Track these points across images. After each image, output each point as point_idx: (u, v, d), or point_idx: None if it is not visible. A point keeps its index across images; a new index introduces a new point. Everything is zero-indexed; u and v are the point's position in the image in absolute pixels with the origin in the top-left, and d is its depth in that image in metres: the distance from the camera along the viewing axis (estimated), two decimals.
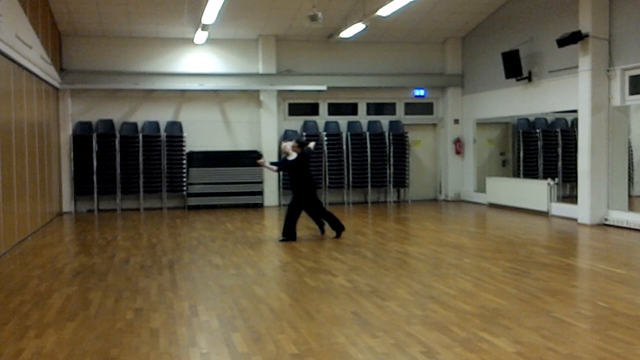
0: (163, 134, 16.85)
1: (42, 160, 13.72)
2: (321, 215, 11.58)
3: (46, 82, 14.26)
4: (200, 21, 14.53)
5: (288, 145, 11.33)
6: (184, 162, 16.80)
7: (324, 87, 17.45)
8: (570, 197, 15.34)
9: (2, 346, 5.45)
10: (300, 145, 11.33)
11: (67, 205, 16.37)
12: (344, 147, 17.63)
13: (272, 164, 11.74)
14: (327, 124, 17.95)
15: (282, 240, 11.19)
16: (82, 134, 16.37)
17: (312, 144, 11.79)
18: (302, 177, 11.14)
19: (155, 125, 16.95)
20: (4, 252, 10.13)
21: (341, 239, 11.52)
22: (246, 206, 17.14)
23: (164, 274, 8.53)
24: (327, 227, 11.99)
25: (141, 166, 16.49)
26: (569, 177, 16.55)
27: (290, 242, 11.11)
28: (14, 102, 11.03)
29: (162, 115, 17.08)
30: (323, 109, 18.20)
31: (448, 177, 18.59)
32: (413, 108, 18.82)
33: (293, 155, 11.24)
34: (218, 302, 6.97)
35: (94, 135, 16.30)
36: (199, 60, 17.17)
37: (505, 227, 13.39)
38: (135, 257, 9.81)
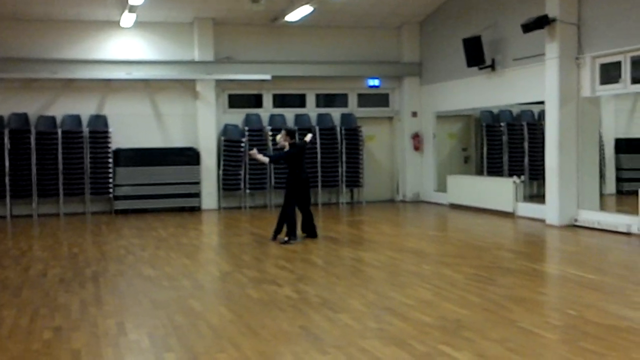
0: (85, 129, 16.53)
1: None
2: (304, 215, 11.93)
3: None
4: (127, 2, 14.30)
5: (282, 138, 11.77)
6: (110, 160, 16.51)
7: (268, 77, 17.40)
8: (538, 197, 15.67)
9: None
10: (289, 134, 11.69)
11: None
12: None
13: (267, 156, 12.29)
14: (272, 117, 17.90)
15: (285, 242, 11.37)
16: None
17: (308, 136, 12.20)
18: (297, 170, 11.50)
19: (76, 119, 16.62)
20: None
21: (288, 245, 11.47)
22: (181, 210, 16.97)
23: (87, 287, 8.36)
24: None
25: (60, 166, 16.14)
26: (536, 175, 16.89)
27: (294, 242, 11.43)
28: None
29: (84, 108, 16.75)
30: (267, 100, 18.15)
31: (406, 176, 18.76)
32: (367, 100, 18.93)
33: (286, 147, 11.64)
34: (149, 319, 6.86)
35: (6, 132, 15.87)
36: (126, 46, 16.91)
37: (468, 229, 13.57)
38: (53, 269, 9.57)
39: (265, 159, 12.04)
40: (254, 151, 11.79)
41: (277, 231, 11.77)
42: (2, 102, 16.26)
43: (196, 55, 17.24)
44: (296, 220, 11.60)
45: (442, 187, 17.76)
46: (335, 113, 18.47)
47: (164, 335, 6.25)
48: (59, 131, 16.23)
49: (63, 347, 5.92)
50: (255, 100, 18.21)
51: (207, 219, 15.85)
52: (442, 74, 17.65)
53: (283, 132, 11.84)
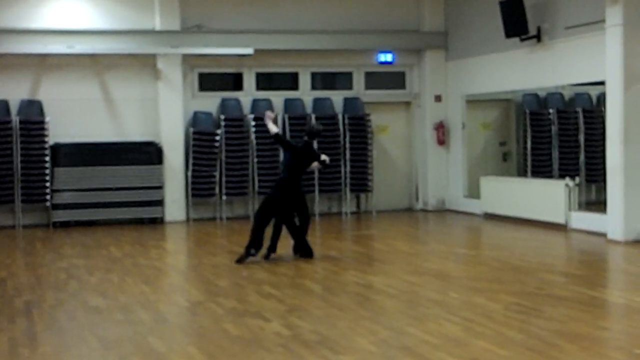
0: (15, 118, 16.51)
1: None
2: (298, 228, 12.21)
3: None
4: None
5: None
6: (47, 159, 16.50)
7: (249, 50, 17.39)
8: (597, 204, 15.63)
9: None
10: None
11: None
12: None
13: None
14: (254, 102, 17.90)
15: (302, 255, 12.07)
16: None
17: (324, 157, 12.30)
18: (299, 173, 11.97)
19: (2, 105, 16.61)
20: None
21: (276, 267, 11.47)
22: (139, 222, 16.96)
23: (17, 322, 8.34)
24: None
25: None
26: (595, 176, 16.84)
27: (308, 258, 11.93)
28: None
29: (12, 91, 16.73)
30: (249, 81, 18.15)
31: (428, 178, 18.76)
32: (377, 80, 18.93)
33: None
34: None
35: None
36: (66, 11, 16.90)
37: (507, 246, 13.57)
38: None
39: (274, 130, 11.98)
40: (270, 114, 12.20)
41: (272, 248, 11.93)
42: None
43: (157, 23, 17.25)
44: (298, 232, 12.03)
45: (473, 192, 17.76)
46: (337, 97, 18.47)
47: None
48: None
49: None
50: (234, 81, 18.20)
51: (173, 234, 15.84)
52: (474, 47, 17.64)
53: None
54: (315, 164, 12.22)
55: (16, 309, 9.01)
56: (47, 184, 16.50)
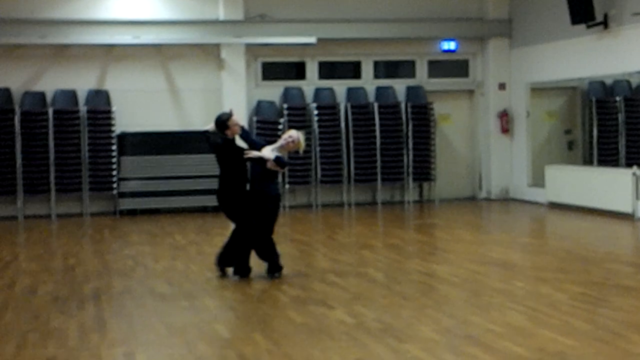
0: (83, 108, 16.77)
1: None
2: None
3: None
4: None
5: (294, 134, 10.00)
6: (113, 148, 16.74)
7: (312, 39, 17.41)
8: None
9: None
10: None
11: None
12: (343, 124, 17.61)
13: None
14: (317, 91, 17.92)
15: (274, 275, 9.96)
16: None
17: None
18: (225, 174, 10.02)
19: (71, 95, 16.88)
20: None
21: (339, 255, 11.49)
22: (203, 210, 17.10)
23: (86, 308, 8.49)
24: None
25: (52, 155, 16.41)
26: None
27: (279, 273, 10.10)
28: None
29: (80, 81, 16.99)
30: (312, 70, 18.17)
31: (491, 167, 18.62)
32: (440, 68, 18.82)
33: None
34: (164, 348, 6.95)
35: None
36: (132, 2, 17.09)
37: (573, 236, 13.42)
38: (45, 285, 9.74)
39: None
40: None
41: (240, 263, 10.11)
42: None
43: (221, 13, 17.35)
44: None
45: (538, 181, 17.58)
46: (399, 86, 18.40)
47: None
48: (50, 111, 16.50)
49: None
50: (297, 70, 18.24)
51: None
52: (539, 34, 17.44)
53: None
54: (269, 164, 9.67)
55: (85, 295, 9.17)
56: (114, 173, 16.73)
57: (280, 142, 9.97)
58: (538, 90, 17.99)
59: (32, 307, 8.62)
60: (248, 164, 9.93)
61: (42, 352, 6.82)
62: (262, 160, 9.68)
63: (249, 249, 10.00)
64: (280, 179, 10.72)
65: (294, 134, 9.96)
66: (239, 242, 10.03)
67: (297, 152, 10.47)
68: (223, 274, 10.02)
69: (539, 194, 17.42)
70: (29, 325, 7.78)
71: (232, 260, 10.02)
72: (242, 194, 9.94)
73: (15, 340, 7.21)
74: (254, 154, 9.72)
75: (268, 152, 9.74)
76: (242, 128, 10.13)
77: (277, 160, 9.69)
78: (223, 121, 9.90)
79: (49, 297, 9.09)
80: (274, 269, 9.95)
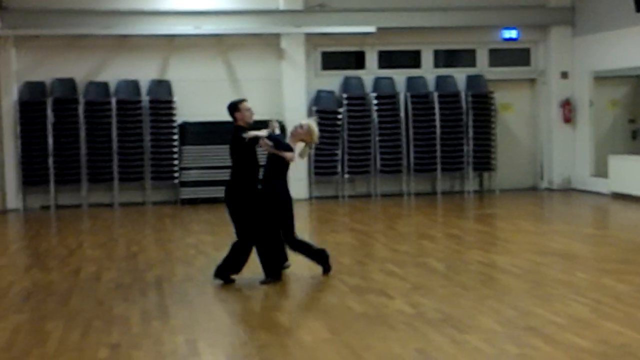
0: (145, 98, 16.96)
1: None
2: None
3: None
4: None
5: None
6: (175, 137, 16.91)
7: (372, 29, 17.37)
8: None
9: None
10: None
11: (13, 200, 16.62)
12: (402, 114, 17.55)
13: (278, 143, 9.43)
14: (377, 81, 17.89)
15: (265, 281, 9.12)
16: (32, 100, 16.56)
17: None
18: (285, 175, 9.54)
19: (133, 85, 17.08)
20: None
21: (399, 245, 11.48)
22: None
23: (148, 296, 8.62)
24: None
25: (115, 144, 16.64)
26: None
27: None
28: None
29: (143, 71, 17.18)
30: (371, 59, 18.13)
31: (553, 156, 18.41)
32: (501, 57, 18.64)
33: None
34: (226, 336, 7.02)
35: (49, 101, 16.48)
36: None
37: (637, 226, 13.23)
38: (108, 272, 9.91)
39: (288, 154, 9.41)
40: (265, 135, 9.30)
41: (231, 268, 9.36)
42: (44, 64, 16.87)
43: (281, 3, 17.39)
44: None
45: (601, 171, 17.34)
46: (460, 75, 18.27)
47: (244, 357, 6.40)
48: (113, 101, 16.73)
49: None
50: (356, 60, 18.21)
51: (296, 212, 15.96)
52: (602, 22, 17.17)
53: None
54: (261, 142, 9.12)
55: (147, 282, 9.30)
56: (175, 162, 16.90)
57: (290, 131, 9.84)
58: (601, 78, 17.72)
59: (96, 294, 8.78)
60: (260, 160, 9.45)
61: (106, 339, 6.94)
62: (273, 151, 9.20)
63: (265, 249, 9.27)
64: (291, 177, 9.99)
65: (303, 121, 9.78)
66: (245, 249, 9.24)
67: (312, 145, 9.90)
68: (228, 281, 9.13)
69: (601, 184, 17.19)
70: (94, 312, 7.93)
71: (230, 270, 9.13)
72: (249, 192, 9.23)
73: (80, 327, 7.35)
74: (251, 134, 9.07)
75: (264, 132, 9.25)
76: (272, 133, 9.34)
77: (270, 137, 9.15)
78: (234, 103, 9.36)
79: (113, 284, 9.25)
80: (267, 276, 9.07)
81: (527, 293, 8.39)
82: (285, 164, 9.37)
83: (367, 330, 7.06)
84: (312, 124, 9.64)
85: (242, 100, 9.48)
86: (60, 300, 8.52)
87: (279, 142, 9.32)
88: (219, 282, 9.15)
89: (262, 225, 9.26)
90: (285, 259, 9.49)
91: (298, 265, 10.56)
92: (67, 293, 8.82)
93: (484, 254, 10.82)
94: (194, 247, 11.76)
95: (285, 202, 9.41)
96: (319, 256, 9.50)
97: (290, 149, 9.35)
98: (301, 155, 9.74)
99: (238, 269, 9.19)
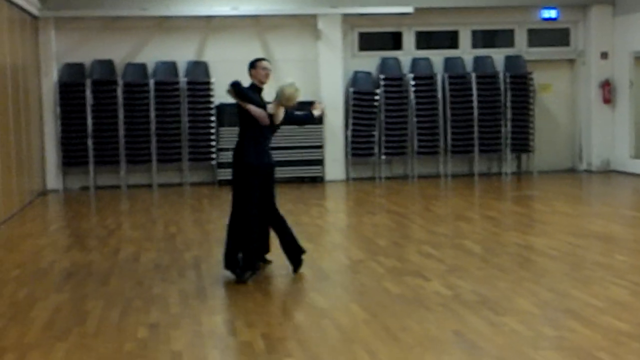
0: (183, 79, 17.04)
1: (17, 119, 14.09)
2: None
3: (20, 7, 14.57)
4: None
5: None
6: (213, 119, 16.97)
7: (409, 9, 17.27)
8: None
9: None
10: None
11: (53, 180, 16.81)
12: (440, 95, 17.47)
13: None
14: (414, 61, 17.81)
15: (240, 277, 8.33)
16: (72, 81, 16.70)
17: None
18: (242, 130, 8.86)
19: (171, 67, 17.16)
20: None
21: (435, 227, 11.46)
22: (300, 180, 17.23)
23: (187, 276, 8.69)
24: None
25: (153, 125, 16.74)
26: None
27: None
28: None
29: (180, 53, 17.25)
30: (408, 40, 18.05)
31: (592, 138, 18.24)
32: (540, 37, 18.46)
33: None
34: (263, 316, 7.06)
35: (88, 83, 16.60)
36: None
37: None
38: (147, 253, 10.02)
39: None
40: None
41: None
42: (82, 46, 17.00)
43: None
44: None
45: None
46: (498, 55, 18.13)
47: (281, 338, 6.45)
48: (151, 82, 16.82)
49: (161, 349, 6.23)
50: (393, 40, 18.14)
51: (333, 193, 16.04)
52: None
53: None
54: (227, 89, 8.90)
55: (186, 263, 9.38)
56: (213, 143, 16.97)
57: None
58: None
59: (135, 274, 8.87)
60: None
61: (145, 318, 7.02)
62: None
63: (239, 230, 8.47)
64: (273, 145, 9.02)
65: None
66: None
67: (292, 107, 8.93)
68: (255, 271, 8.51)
69: None
70: (133, 292, 8.03)
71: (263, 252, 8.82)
72: (239, 160, 8.65)
73: (119, 307, 7.45)
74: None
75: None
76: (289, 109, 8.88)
77: (237, 86, 8.70)
78: (252, 60, 9.04)
79: (152, 264, 9.34)
80: (243, 268, 8.33)
81: (565, 275, 8.35)
82: (255, 125, 8.58)
83: (404, 311, 7.07)
84: (284, 86, 8.76)
85: (261, 59, 9.16)
86: (99, 280, 8.63)
87: (245, 96, 8.67)
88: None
89: (237, 200, 8.61)
90: (266, 249, 8.86)
91: (334, 246, 10.62)
92: (107, 273, 8.93)
93: (521, 235, 10.78)
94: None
95: (251, 166, 8.49)
96: (294, 252, 8.63)
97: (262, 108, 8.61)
98: (274, 117, 8.72)
99: (266, 248, 8.97)
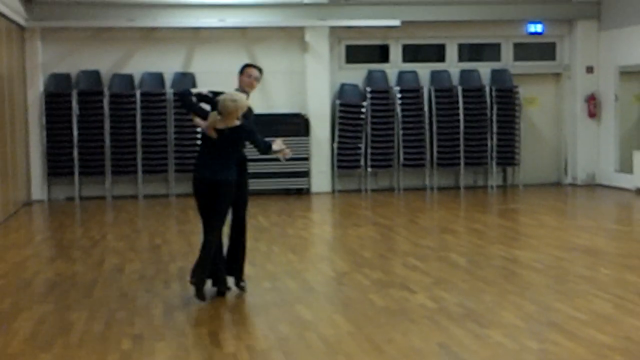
0: (169, 90, 17.02)
1: (2, 129, 14.04)
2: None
3: (6, 17, 14.54)
4: None
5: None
6: (199, 130, 16.92)
7: (396, 22, 17.33)
8: None
9: None
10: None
11: (38, 191, 16.73)
12: (426, 107, 17.50)
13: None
14: (400, 74, 17.85)
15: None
16: (58, 91, 16.65)
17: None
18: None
19: (158, 78, 17.15)
20: None
21: (421, 239, 11.49)
22: (286, 192, 17.24)
23: (172, 287, 8.67)
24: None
25: (139, 136, 16.71)
26: None
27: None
28: None
29: (167, 64, 17.25)
30: (395, 53, 18.10)
31: (577, 152, 18.31)
32: (526, 51, 18.54)
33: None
34: (248, 328, 7.06)
35: (74, 93, 16.55)
36: None
37: None
38: (132, 264, 9.99)
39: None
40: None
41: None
42: (69, 56, 16.95)
43: None
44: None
45: (626, 167, 17.23)
46: (484, 69, 18.19)
47: (266, 350, 6.44)
48: (137, 93, 16.79)
49: (145, 359, 6.22)
50: (380, 53, 18.17)
51: (318, 205, 16.03)
52: (629, 16, 17.03)
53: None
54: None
55: (171, 274, 9.36)
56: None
57: None
58: (627, 73, 17.58)
59: (119, 285, 8.85)
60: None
61: (129, 330, 7.01)
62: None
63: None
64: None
65: None
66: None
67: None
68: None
69: (626, 179, 17.07)
70: (117, 303, 8.00)
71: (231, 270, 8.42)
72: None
73: (104, 318, 7.43)
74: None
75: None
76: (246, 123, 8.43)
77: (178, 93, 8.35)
78: (243, 66, 8.87)
79: (136, 275, 9.31)
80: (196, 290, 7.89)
81: (549, 288, 8.38)
82: (205, 137, 8.35)
83: (389, 324, 7.08)
84: (224, 96, 8.20)
85: (250, 65, 8.91)
86: (84, 291, 8.60)
87: (191, 105, 8.49)
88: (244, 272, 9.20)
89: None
90: (214, 274, 8.15)
91: (319, 258, 10.62)
92: (91, 284, 8.90)
93: (507, 249, 10.79)
94: None
95: (193, 178, 8.40)
96: (214, 277, 8.17)
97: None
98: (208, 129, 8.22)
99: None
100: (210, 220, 8.25)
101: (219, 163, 8.13)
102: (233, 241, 8.61)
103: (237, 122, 8.17)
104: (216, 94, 8.41)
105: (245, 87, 8.68)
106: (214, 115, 8.15)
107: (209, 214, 8.25)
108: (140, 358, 6.26)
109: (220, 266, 8.24)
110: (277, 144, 8.47)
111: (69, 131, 16.57)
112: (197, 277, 7.92)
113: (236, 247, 8.57)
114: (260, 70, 8.88)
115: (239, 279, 8.46)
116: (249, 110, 8.67)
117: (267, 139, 8.50)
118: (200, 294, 7.83)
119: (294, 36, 17.54)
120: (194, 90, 8.79)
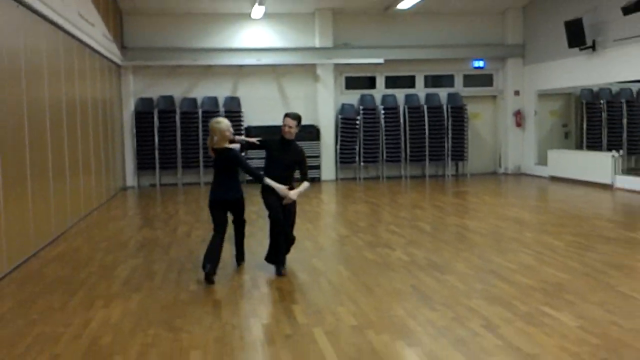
0: (222, 109, 17.02)
1: (106, 137, 14.06)
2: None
3: (108, 59, 14.54)
4: None
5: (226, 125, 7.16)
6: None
7: (381, 60, 17.27)
8: (636, 170, 14.89)
9: (72, 316, 5.66)
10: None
11: (131, 179, 16.78)
12: (402, 120, 17.45)
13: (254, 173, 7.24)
14: (384, 97, 17.80)
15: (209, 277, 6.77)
16: (144, 110, 16.68)
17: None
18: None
19: (214, 100, 17.14)
20: (70, 226, 10.48)
21: (399, 212, 11.45)
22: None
23: (226, 248, 8.64)
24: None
25: (201, 141, 16.71)
26: (634, 149, 16.04)
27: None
28: (77, 79, 11.30)
29: (220, 90, 17.25)
30: (380, 82, 18.04)
31: (508, 150, 18.23)
32: (472, 80, 18.46)
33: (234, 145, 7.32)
34: (277, 276, 7.04)
35: (155, 111, 16.58)
36: (256, 35, 17.22)
37: (568, 200, 13.07)
38: (196, 231, 10.00)
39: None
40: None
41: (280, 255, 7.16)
42: (152, 86, 16.98)
43: (317, 42, 17.33)
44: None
45: (542, 161, 17.17)
46: (443, 93, 18.12)
47: (291, 290, 6.43)
48: (200, 111, 16.78)
49: (206, 298, 6.20)
50: (370, 82, 18.12)
51: (326, 189, 16.01)
52: (544, 55, 16.94)
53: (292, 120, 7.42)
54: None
55: (226, 238, 9.28)
56: (242, 154, 16.86)
57: None
58: (543, 95, 17.51)
59: (188, 245, 8.85)
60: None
61: (195, 277, 7.02)
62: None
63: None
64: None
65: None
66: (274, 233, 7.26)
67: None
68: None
69: (543, 170, 17.03)
70: (186, 258, 8.00)
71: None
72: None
73: (177, 269, 7.43)
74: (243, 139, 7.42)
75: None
76: (241, 146, 7.47)
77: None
78: (284, 115, 7.49)
79: (199, 239, 9.30)
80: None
81: (490, 247, 8.33)
82: (214, 163, 7.14)
83: (377, 272, 7.05)
84: (212, 120, 7.18)
85: (287, 115, 7.46)
86: (163, 249, 8.61)
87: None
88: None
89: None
90: (209, 264, 6.72)
91: (327, 226, 10.60)
92: (168, 245, 8.90)
93: (459, 219, 10.75)
94: (256, 213, 11.48)
95: (209, 200, 7.05)
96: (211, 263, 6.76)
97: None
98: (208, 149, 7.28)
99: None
100: (235, 223, 7.33)
101: (225, 184, 6.96)
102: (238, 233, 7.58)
103: (227, 145, 7.01)
104: (262, 142, 7.43)
105: (284, 135, 7.35)
106: (211, 137, 7.04)
107: (222, 220, 7.03)
108: (203, 296, 6.25)
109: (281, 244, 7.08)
110: (282, 190, 7.24)
111: (151, 138, 16.57)
112: (210, 265, 6.68)
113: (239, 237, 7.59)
114: (295, 117, 7.39)
115: (240, 259, 7.57)
116: (297, 147, 7.46)
117: (262, 175, 7.16)
118: (210, 279, 6.64)
119: (309, 71, 17.48)
120: (244, 139, 7.48)
